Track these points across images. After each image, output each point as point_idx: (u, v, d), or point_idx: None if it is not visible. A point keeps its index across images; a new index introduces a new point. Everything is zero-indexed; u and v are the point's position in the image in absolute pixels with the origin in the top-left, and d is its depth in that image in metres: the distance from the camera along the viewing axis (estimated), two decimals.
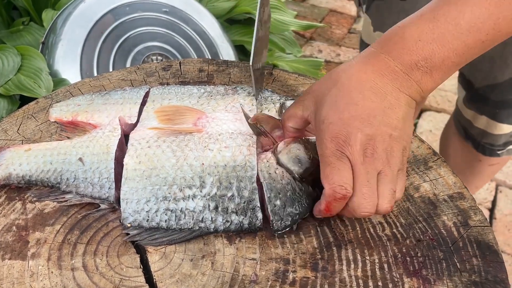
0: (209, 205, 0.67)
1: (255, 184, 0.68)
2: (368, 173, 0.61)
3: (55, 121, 0.81)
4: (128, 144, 0.72)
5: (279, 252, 0.65)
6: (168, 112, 0.75)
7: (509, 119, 1.14)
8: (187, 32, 1.65)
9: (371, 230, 0.67)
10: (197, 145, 0.71)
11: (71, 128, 0.79)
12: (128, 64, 1.55)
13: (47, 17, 1.57)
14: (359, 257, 0.64)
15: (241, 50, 1.92)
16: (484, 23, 0.60)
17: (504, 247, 1.72)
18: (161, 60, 1.60)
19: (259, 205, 0.67)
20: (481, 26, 0.61)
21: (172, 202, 0.67)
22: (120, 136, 0.74)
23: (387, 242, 0.66)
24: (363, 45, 1.34)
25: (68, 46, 1.47)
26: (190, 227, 0.66)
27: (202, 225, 0.66)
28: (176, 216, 0.66)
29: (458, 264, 0.64)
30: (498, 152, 1.23)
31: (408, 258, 0.64)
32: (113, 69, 1.51)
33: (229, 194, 0.67)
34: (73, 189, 0.70)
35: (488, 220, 1.79)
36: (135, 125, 0.79)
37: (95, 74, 1.48)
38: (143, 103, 0.81)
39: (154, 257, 0.64)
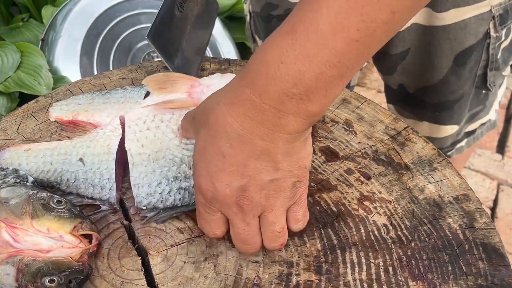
0: None
1: None
2: (244, 221, 0.58)
3: (55, 121, 0.80)
4: (126, 126, 0.71)
5: (283, 255, 0.64)
6: (159, 80, 0.73)
7: (451, 120, 1.13)
8: None
9: (376, 232, 0.66)
10: None
11: (72, 128, 0.78)
12: (128, 62, 1.54)
13: (46, 13, 1.56)
14: (363, 260, 0.63)
15: (242, 48, 1.91)
16: (348, 18, 0.47)
17: (506, 246, 1.72)
18: None
19: None
20: (345, 22, 0.48)
21: (184, 181, 0.67)
22: (121, 136, 0.73)
23: (392, 244, 0.65)
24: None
25: (68, 43, 1.46)
26: None
27: None
28: (189, 193, 0.66)
29: (464, 267, 0.63)
30: (449, 153, 1.23)
31: (413, 261, 0.63)
32: (113, 66, 1.50)
33: None
34: (73, 190, 0.69)
35: None
36: None
37: (95, 71, 1.47)
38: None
39: (155, 260, 0.63)
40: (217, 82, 0.75)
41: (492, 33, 0.98)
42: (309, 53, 0.49)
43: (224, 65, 0.93)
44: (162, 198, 0.66)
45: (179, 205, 0.66)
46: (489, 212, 1.82)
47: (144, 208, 0.66)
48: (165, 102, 0.72)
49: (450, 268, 0.63)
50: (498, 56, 1.04)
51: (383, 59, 1.13)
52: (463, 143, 1.22)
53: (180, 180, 0.67)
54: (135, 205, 0.66)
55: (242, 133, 0.54)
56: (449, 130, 1.15)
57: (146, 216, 0.66)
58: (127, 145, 0.69)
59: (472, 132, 1.21)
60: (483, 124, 1.21)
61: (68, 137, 0.77)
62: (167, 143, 0.69)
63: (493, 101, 1.17)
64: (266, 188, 0.56)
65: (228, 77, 0.75)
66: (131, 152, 0.69)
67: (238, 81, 0.55)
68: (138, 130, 0.70)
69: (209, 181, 0.56)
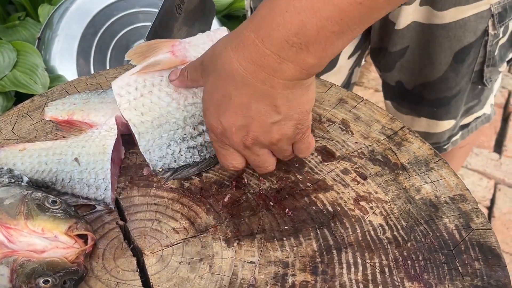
0: None
1: None
2: (252, 154, 0.65)
3: (50, 120, 0.79)
4: (116, 95, 0.71)
5: (278, 255, 0.64)
6: (141, 51, 0.74)
7: (448, 115, 1.14)
8: None
9: (372, 233, 0.66)
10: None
11: (67, 127, 0.78)
12: (125, 61, 1.54)
13: (43, 12, 1.55)
14: (359, 261, 0.63)
15: None
16: None
17: (503, 245, 1.72)
18: None
19: None
20: None
21: (191, 140, 0.71)
22: (116, 136, 0.73)
23: (388, 245, 0.65)
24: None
25: (64, 42, 1.45)
26: (213, 154, 0.70)
27: None
28: (198, 150, 0.71)
29: (460, 268, 0.63)
30: (445, 147, 1.24)
31: (409, 262, 0.63)
32: (110, 65, 1.50)
33: None
34: (68, 190, 0.69)
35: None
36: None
37: (92, 70, 1.47)
38: None
39: (151, 260, 0.63)
40: (197, 38, 0.75)
41: (491, 31, 0.99)
42: (313, 7, 0.51)
43: None
44: (174, 158, 0.70)
45: (191, 162, 0.70)
46: (486, 211, 1.82)
47: (160, 169, 0.69)
48: (151, 64, 0.72)
49: (446, 268, 0.63)
50: (496, 53, 1.04)
51: (382, 56, 1.13)
52: (457, 136, 1.23)
53: (188, 140, 0.71)
54: (151, 169, 0.70)
55: (245, 76, 0.57)
56: (446, 125, 1.16)
57: (165, 177, 0.70)
58: (126, 116, 0.70)
59: (467, 125, 1.22)
60: (478, 117, 1.22)
61: (64, 137, 0.76)
62: (166, 107, 0.71)
63: (488, 96, 1.18)
64: (268, 130, 0.61)
65: (208, 34, 0.75)
66: (133, 122, 0.70)
67: (245, 27, 0.57)
68: (132, 98, 0.71)
69: (217, 120, 0.62)
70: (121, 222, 0.67)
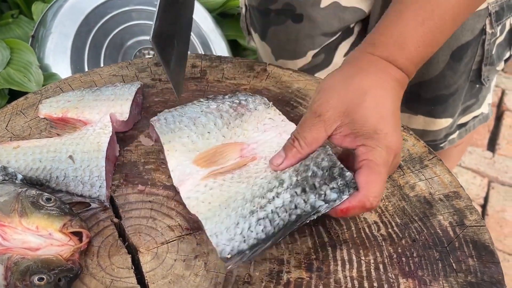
0: (296, 192, 0.63)
1: (329, 151, 0.64)
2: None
3: (44, 118, 0.79)
4: (183, 198, 0.67)
5: (273, 252, 0.64)
6: (207, 157, 0.71)
7: (445, 113, 1.14)
8: None
9: (366, 230, 0.66)
10: (259, 170, 0.68)
11: (61, 125, 0.78)
12: (119, 58, 1.53)
13: (37, 10, 1.55)
14: (354, 258, 0.63)
15: (234, 45, 1.90)
16: (462, 14, 0.67)
17: (496, 243, 1.73)
18: (153, 54, 1.59)
19: (341, 164, 0.62)
20: (459, 18, 0.67)
21: (260, 211, 0.62)
22: (111, 133, 0.73)
23: (383, 242, 0.65)
24: None
25: (58, 40, 1.45)
26: (287, 220, 0.61)
27: (299, 211, 0.61)
28: (270, 220, 0.61)
29: (454, 264, 0.63)
30: (441, 145, 1.23)
31: (403, 259, 0.63)
32: (104, 63, 1.49)
33: (310, 173, 0.63)
34: (63, 188, 0.69)
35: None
36: (126, 122, 0.77)
37: (86, 68, 1.46)
38: (134, 100, 0.79)
39: (146, 258, 0.63)
40: (262, 137, 0.74)
41: (488, 29, 0.99)
42: (438, 41, 0.67)
43: (215, 62, 0.92)
44: (244, 237, 0.60)
45: (263, 237, 0.60)
46: (480, 209, 1.83)
47: (229, 256, 0.59)
48: (219, 170, 0.70)
49: (440, 265, 0.63)
50: (493, 52, 1.04)
51: None
52: (455, 135, 1.22)
53: (257, 212, 0.62)
54: (219, 255, 0.59)
55: (395, 95, 0.66)
56: (444, 123, 1.16)
57: (234, 262, 0.59)
58: (194, 211, 0.64)
59: (464, 124, 1.22)
60: (476, 117, 1.22)
61: (58, 134, 0.76)
62: (235, 188, 0.66)
63: (486, 95, 1.18)
64: None
65: (268, 127, 0.75)
66: (200, 212, 0.64)
67: (378, 60, 0.66)
68: (200, 194, 0.66)
69: (396, 137, 0.63)
70: (116, 220, 0.67)
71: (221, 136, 0.74)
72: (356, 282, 0.61)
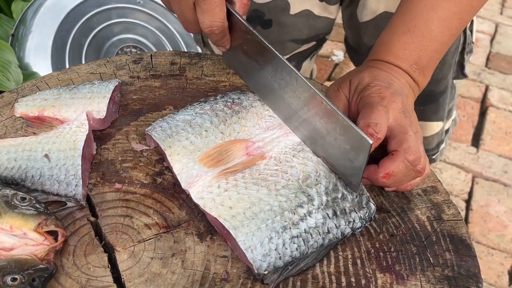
0: (327, 214, 0.64)
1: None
2: None
3: (20, 116, 0.78)
4: (195, 199, 0.66)
5: None
6: (213, 156, 0.71)
7: (436, 115, 1.12)
8: (162, 24, 1.62)
9: None
10: (273, 171, 0.68)
11: (38, 124, 0.77)
12: (101, 57, 1.52)
13: (17, 8, 1.53)
14: (332, 253, 0.63)
15: None
16: (451, 22, 0.75)
17: (480, 237, 1.74)
18: (136, 52, 1.58)
19: (367, 193, 0.67)
20: (449, 24, 0.75)
21: (294, 228, 0.62)
22: (87, 131, 0.72)
23: (360, 237, 0.65)
24: None
25: (39, 38, 1.43)
26: (320, 243, 0.63)
27: (331, 236, 0.63)
28: (303, 239, 0.62)
29: (431, 258, 0.63)
30: (433, 157, 1.21)
31: (381, 253, 0.63)
32: (85, 61, 1.48)
33: (340, 195, 0.66)
34: (38, 187, 0.68)
35: (464, 211, 1.81)
36: (104, 120, 0.76)
37: (67, 67, 1.45)
38: (112, 97, 0.79)
39: (122, 256, 0.62)
40: (267, 135, 0.73)
41: None
42: (424, 45, 0.74)
43: (194, 59, 0.92)
44: (279, 254, 0.60)
45: (297, 255, 0.61)
46: (464, 204, 1.84)
47: (266, 272, 0.59)
48: (228, 169, 0.69)
49: (417, 259, 0.63)
50: (472, 39, 1.04)
51: (354, 52, 1.13)
52: (444, 144, 1.20)
53: (290, 228, 0.62)
54: (256, 271, 0.59)
55: (409, 95, 0.74)
56: (435, 127, 1.14)
57: (272, 280, 0.60)
58: (214, 214, 0.63)
59: (447, 130, 1.20)
60: (453, 120, 1.22)
61: (34, 133, 0.75)
62: (256, 195, 0.65)
63: (455, 97, 1.18)
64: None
65: (270, 125, 0.75)
66: (223, 218, 0.62)
67: (375, 63, 0.76)
68: (215, 196, 0.65)
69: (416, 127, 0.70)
70: (92, 218, 0.66)
71: (219, 132, 0.74)
72: (333, 278, 0.61)
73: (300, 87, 0.68)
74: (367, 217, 0.65)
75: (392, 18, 0.79)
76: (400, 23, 0.76)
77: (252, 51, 0.75)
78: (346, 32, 1.14)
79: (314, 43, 1.15)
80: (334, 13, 1.10)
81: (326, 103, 0.65)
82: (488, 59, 2.48)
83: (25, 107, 0.79)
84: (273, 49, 0.70)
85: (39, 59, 1.42)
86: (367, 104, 0.68)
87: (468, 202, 1.85)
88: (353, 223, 0.65)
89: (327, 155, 0.68)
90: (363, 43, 1.08)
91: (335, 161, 0.67)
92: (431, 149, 1.18)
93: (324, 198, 0.65)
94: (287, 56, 1.13)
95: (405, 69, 0.74)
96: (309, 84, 0.67)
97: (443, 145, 1.21)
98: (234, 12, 0.72)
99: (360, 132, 0.61)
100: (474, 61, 2.45)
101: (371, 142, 0.60)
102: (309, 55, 1.17)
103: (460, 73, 1.10)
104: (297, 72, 0.68)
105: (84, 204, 0.67)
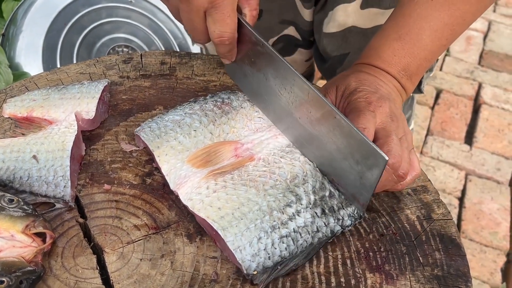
0: (316, 213, 0.64)
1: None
2: None
3: (9, 117, 0.78)
4: (183, 200, 0.66)
5: None
6: (201, 156, 0.70)
7: None
8: (154, 23, 1.62)
9: None
10: (262, 172, 0.68)
11: (26, 124, 0.76)
12: (92, 57, 1.52)
13: (7, 8, 1.52)
14: (321, 253, 0.63)
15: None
16: (442, 33, 0.75)
17: (473, 235, 1.74)
18: (127, 52, 1.57)
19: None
20: (440, 35, 0.75)
21: (283, 228, 0.62)
22: (76, 132, 0.72)
23: (350, 237, 0.65)
24: None
25: (29, 38, 1.43)
26: (310, 242, 0.63)
27: (320, 234, 0.63)
28: (292, 239, 0.62)
29: (421, 258, 0.63)
30: None
31: (371, 253, 0.63)
32: (77, 61, 1.48)
33: (327, 193, 0.66)
34: (26, 188, 0.67)
35: (457, 209, 1.81)
36: (93, 120, 0.76)
37: (58, 67, 1.44)
38: (101, 98, 0.78)
39: (111, 258, 0.62)
40: (255, 136, 0.73)
41: None
42: (414, 53, 0.75)
43: (185, 58, 0.92)
44: (268, 254, 0.60)
45: (287, 255, 0.61)
46: (457, 202, 1.85)
47: (255, 272, 0.59)
48: (219, 171, 0.69)
49: (407, 259, 0.63)
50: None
51: (324, 65, 1.13)
52: None
53: (279, 228, 0.62)
54: (245, 272, 0.59)
55: (393, 93, 0.75)
56: None
57: (261, 280, 0.60)
58: (203, 215, 0.63)
59: None
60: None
61: (23, 134, 0.75)
62: (244, 195, 0.65)
63: (413, 108, 1.21)
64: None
65: (259, 127, 0.75)
66: (212, 219, 0.62)
67: (367, 69, 0.76)
68: (204, 197, 0.65)
69: (401, 120, 0.70)
70: (81, 220, 0.66)
71: (208, 133, 0.73)
72: (323, 278, 0.61)
73: (314, 103, 0.67)
74: (356, 214, 0.65)
75: (384, 23, 0.79)
76: (392, 29, 0.76)
77: (261, 63, 0.73)
78: (315, 38, 1.15)
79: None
80: (308, 16, 1.11)
81: (340, 118, 0.63)
82: (481, 56, 2.48)
83: (14, 107, 0.78)
84: (285, 61, 0.68)
85: (30, 59, 1.41)
86: (354, 109, 0.67)
87: (461, 199, 1.86)
88: (342, 221, 0.65)
89: (335, 173, 0.67)
90: (327, 52, 1.11)
91: (343, 180, 0.66)
92: None
93: (312, 197, 0.65)
94: (275, 37, 1.14)
95: (393, 75, 0.75)
96: (324, 100, 0.64)
97: None
98: (244, 23, 0.71)
99: (376, 148, 0.59)
100: (467, 59, 2.46)
101: (387, 158, 0.59)
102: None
103: (417, 88, 1.11)
104: (309, 85, 0.66)
105: (73, 206, 0.67)
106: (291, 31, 1.14)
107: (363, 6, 1.01)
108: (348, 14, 1.02)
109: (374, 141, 0.65)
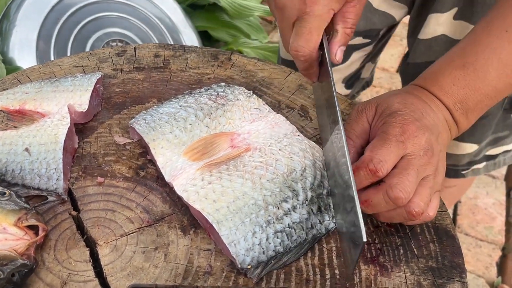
0: (312, 210, 0.64)
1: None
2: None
3: (1, 110, 0.77)
4: (178, 192, 0.65)
5: None
6: (197, 148, 0.70)
7: (470, 138, 1.07)
8: (149, 18, 1.61)
9: None
10: (258, 163, 0.67)
11: (19, 117, 0.76)
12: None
13: (0, 2, 1.51)
14: (316, 245, 0.63)
15: (205, 36, 1.88)
16: None
17: (469, 229, 1.75)
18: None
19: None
20: (510, 71, 0.67)
21: (277, 223, 0.62)
22: (69, 125, 0.71)
23: None
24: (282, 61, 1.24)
25: (23, 33, 1.42)
26: (304, 238, 0.62)
27: (314, 231, 0.63)
28: (287, 234, 0.62)
29: (415, 250, 0.63)
30: (463, 172, 1.16)
31: (365, 245, 0.63)
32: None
33: (325, 192, 0.66)
34: (19, 181, 0.67)
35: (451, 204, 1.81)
36: (86, 113, 0.75)
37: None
38: (94, 90, 0.78)
39: (104, 250, 0.62)
40: (252, 127, 0.73)
41: None
42: (475, 86, 0.67)
43: (179, 51, 0.91)
44: (262, 248, 0.60)
45: (281, 250, 0.61)
46: None
47: (249, 266, 0.59)
48: (215, 162, 0.68)
49: (402, 251, 0.63)
50: None
51: (406, 65, 1.08)
52: (481, 165, 1.15)
53: (274, 223, 0.62)
54: (238, 266, 0.59)
55: (433, 117, 0.67)
56: (468, 148, 1.09)
57: (255, 275, 0.59)
58: (198, 207, 0.62)
59: (493, 157, 1.15)
60: (508, 151, 1.15)
61: (15, 127, 0.74)
62: (240, 188, 0.64)
63: None
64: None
65: (256, 117, 0.74)
66: (207, 211, 0.61)
67: (420, 92, 0.70)
68: (199, 188, 0.64)
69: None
70: (74, 213, 0.65)
71: (204, 126, 0.73)
72: (317, 270, 0.61)
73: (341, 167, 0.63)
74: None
75: (451, 48, 0.73)
76: (457, 55, 0.70)
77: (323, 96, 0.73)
78: (408, 41, 1.09)
79: (368, 40, 1.12)
80: (396, 10, 1.05)
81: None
82: None
83: (6, 100, 0.77)
84: (337, 104, 0.66)
85: (23, 54, 1.40)
86: (383, 134, 0.63)
87: None
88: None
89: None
90: (411, 58, 1.05)
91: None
92: (461, 165, 1.14)
93: (310, 193, 0.65)
94: None
95: (447, 105, 0.68)
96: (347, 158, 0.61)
97: (477, 166, 1.15)
98: (325, 53, 0.68)
99: (360, 225, 0.54)
100: None
101: (364, 240, 0.54)
102: (359, 49, 1.15)
103: (511, 110, 1.04)
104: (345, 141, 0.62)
105: (66, 198, 0.67)
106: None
107: (456, 17, 0.95)
108: (439, 23, 0.96)
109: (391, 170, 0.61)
